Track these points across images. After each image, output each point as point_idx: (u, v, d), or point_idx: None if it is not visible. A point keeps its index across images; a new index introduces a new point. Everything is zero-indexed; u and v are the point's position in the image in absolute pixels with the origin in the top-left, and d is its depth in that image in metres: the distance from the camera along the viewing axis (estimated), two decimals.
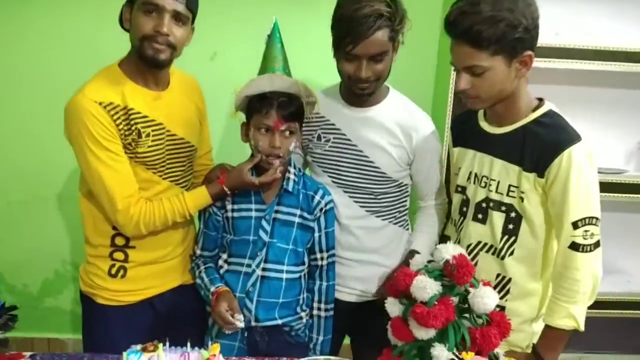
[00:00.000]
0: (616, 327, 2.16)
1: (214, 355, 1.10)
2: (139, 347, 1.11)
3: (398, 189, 1.51)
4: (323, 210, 1.43)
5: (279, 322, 1.40)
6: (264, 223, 1.38)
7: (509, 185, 1.28)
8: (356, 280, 1.51)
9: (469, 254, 1.31)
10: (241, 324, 1.30)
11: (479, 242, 1.34)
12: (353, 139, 1.46)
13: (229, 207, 1.41)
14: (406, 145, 1.45)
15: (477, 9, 1.14)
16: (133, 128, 1.28)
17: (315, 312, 1.47)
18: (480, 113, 1.37)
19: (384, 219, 1.51)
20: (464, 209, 1.39)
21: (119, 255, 1.38)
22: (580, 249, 1.20)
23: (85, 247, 1.43)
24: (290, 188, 1.40)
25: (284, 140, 1.34)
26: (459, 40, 1.19)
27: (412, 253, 1.45)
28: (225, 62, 2.04)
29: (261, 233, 1.38)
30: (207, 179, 1.45)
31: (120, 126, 1.27)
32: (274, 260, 1.39)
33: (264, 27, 1.37)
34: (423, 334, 1.07)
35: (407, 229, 1.58)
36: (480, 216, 1.34)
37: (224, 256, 1.43)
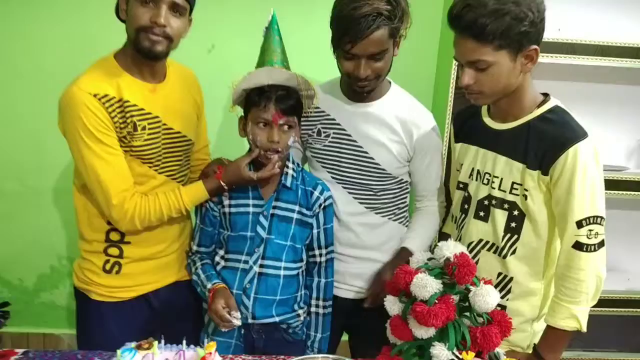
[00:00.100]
0: (616, 325, 2.16)
1: (210, 353, 1.08)
2: (133, 344, 1.09)
3: (398, 186, 1.49)
4: (322, 207, 1.42)
5: (277, 319, 1.38)
6: (261, 219, 1.37)
7: (513, 183, 1.26)
8: (355, 277, 1.50)
9: (470, 252, 1.30)
10: (238, 322, 1.29)
11: (481, 240, 1.33)
12: (353, 134, 1.44)
13: (226, 202, 1.39)
14: (406, 142, 1.43)
15: (482, 1, 1.12)
16: (128, 121, 1.26)
17: (313, 309, 1.46)
18: (484, 108, 1.35)
19: (383, 216, 1.50)
20: (466, 206, 1.37)
21: (113, 250, 1.36)
22: (584, 249, 1.18)
23: (80, 242, 1.41)
24: (288, 183, 1.39)
25: (282, 134, 1.32)
26: (462, 34, 1.17)
27: (403, 250, 1.44)
28: (224, 54, 2.02)
29: (259, 229, 1.37)
30: (204, 174, 1.43)
31: (116, 119, 1.25)
32: (271, 256, 1.38)
33: (263, 19, 1.35)
34: (423, 333, 1.06)
35: (407, 226, 1.56)
36: (482, 214, 1.32)
37: (221, 252, 1.42)
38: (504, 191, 1.27)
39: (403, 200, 1.54)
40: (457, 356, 1.04)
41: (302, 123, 1.42)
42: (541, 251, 1.28)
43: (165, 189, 1.36)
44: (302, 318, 1.44)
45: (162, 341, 1.10)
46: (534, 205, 1.24)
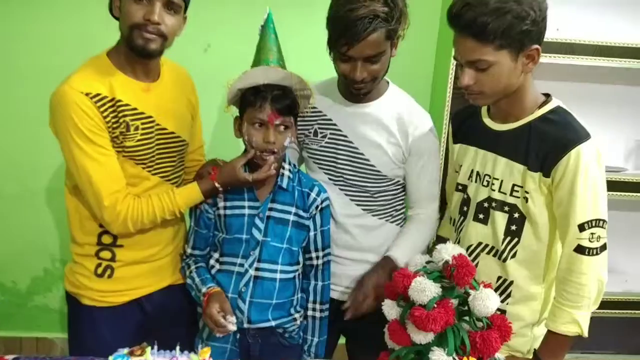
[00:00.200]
0: (614, 327, 2.15)
1: (204, 359, 1.06)
2: (125, 350, 1.08)
3: (395, 188, 1.47)
4: (319, 208, 1.40)
5: (273, 323, 1.36)
6: (257, 221, 1.35)
7: (513, 185, 1.24)
8: (352, 279, 1.48)
9: (469, 255, 1.27)
10: (233, 327, 1.27)
11: (480, 243, 1.31)
12: (349, 135, 1.42)
13: (221, 204, 1.37)
14: (402, 143, 1.41)
15: (482, 0, 1.10)
16: (121, 121, 1.24)
17: (310, 312, 1.44)
18: (483, 108, 1.33)
19: (380, 218, 1.48)
20: (465, 208, 1.35)
21: (105, 254, 1.34)
22: (587, 252, 1.17)
23: (71, 245, 1.39)
24: (284, 185, 1.37)
25: (278, 135, 1.30)
26: (462, 33, 1.15)
27: (385, 259, 1.41)
28: (220, 54, 2.00)
29: (254, 231, 1.35)
30: (198, 175, 1.41)
31: (108, 118, 1.23)
32: (267, 259, 1.36)
33: (260, 19, 1.33)
34: (421, 338, 1.05)
35: None
36: (481, 216, 1.30)
37: (216, 255, 1.40)
38: (504, 193, 1.25)
39: (400, 202, 1.52)
40: None
41: (299, 123, 1.40)
42: (542, 254, 1.27)
43: (159, 190, 1.33)
44: (298, 322, 1.42)
45: (155, 347, 1.08)
46: (534, 207, 1.22)
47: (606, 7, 1.98)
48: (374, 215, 1.47)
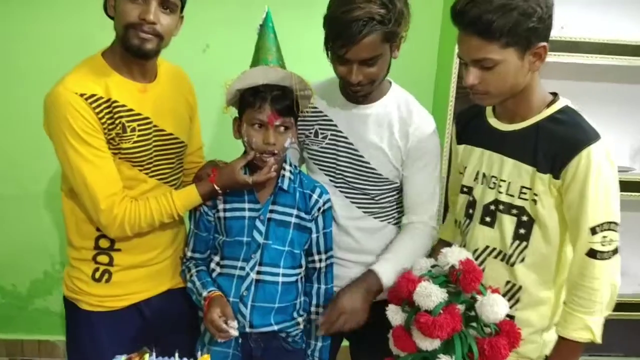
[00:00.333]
0: (623, 329, 2.12)
1: None
2: (123, 357, 1.07)
3: (396, 190, 1.44)
4: (321, 210, 1.37)
5: (275, 328, 1.34)
6: (258, 223, 1.33)
7: (521, 187, 1.20)
8: None
9: (476, 259, 1.24)
10: (235, 332, 1.25)
11: (487, 247, 1.27)
12: (350, 136, 1.39)
13: (221, 206, 1.35)
14: (401, 144, 1.37)
15: None
16: (117, 122, 1.22)
17: (313, 316, 1.41)
18: (489, 108, 1.30)
19: (382, 220, 1.45)
20: (470, 210, 1.32)
21: (103, 258, 1.32)
22: (599, 256, 1.13)
23: (68, 249, 1.37)
24: (285, 186, 1.34)
25: (278, 136, 1.28)
26: (467, 31, 1.12)
27: (369, 274, 1.33)
28: (219, 54, 1.99)
29: (255, 234, 1.32)
30: (197, 177, 1.39)
31: (103, 120, 1.21)
32: (269, 262, 1.33)
33: (259, 18, 1.30)
34: (427, 344, 1.03)
35: None
36: (488, 219, 1.27)
37: (216, 258, 1.38)
38: (512, 196, 1.22)
39: (402, 204, 1.48)
40: None
41: (300, 123, 1.38)
42: (551, 258, 1.23)
43: (157, 193, 1.31)
44: (301, 326, 1.39)
45: (154, 354, 1.06)
46: (544, 210, 1.19)
47: (610, 6, 1.95)
48: (375, 218, 1.44)
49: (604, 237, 1.13)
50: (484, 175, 1.28)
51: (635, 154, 2.12)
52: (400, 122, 1.37)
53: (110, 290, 1.33)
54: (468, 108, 1.39)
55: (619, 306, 1.96)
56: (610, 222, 1.14)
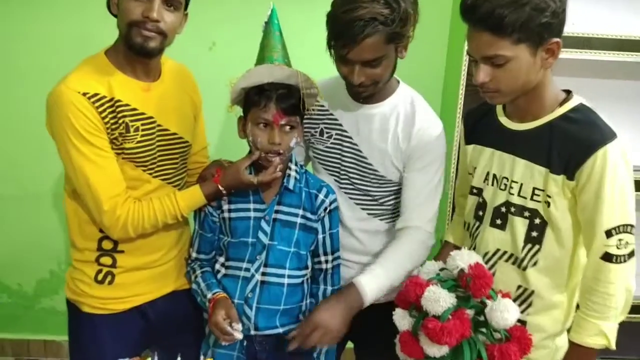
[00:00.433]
0: (636, 332, 2.07)
1: None
2: None
3: (400, 192, 1.40)
4: (327, 210, 1.35)
5: (280, 330, 1.33)
6: (263, 224, 1.31)
7: (534, 189, 1.17)
8: None
9: (486, 262, 1.21)
10: (240, 335, 1.23)
11: (498, 250, 1.24)
12: (354, 137, 1.37)
13: (226, 207, 1.33)
14: (404, 146, 1.34)
15: None
16: (120, 121, 1.21)
17: None
18: (499, 107, 1.27)
19: (387, 222, 1.42)
20: (480, 212, 1.28)
21: (106, 260, 1.30)
22: (614, 260, 1.10)
23: (71, 250, 1.35)
24: (291, 186, 1.32)
25: (284, 135, 1.26)
26: (477, 27, 1.08)
27: (350, 287, 1.26)
28: (225, 52, 1.97)
29: (260, 235, 1.31)
30: (201, 177, 1.38)
31: (106, 119, 1.19)
32: (274, 264, 1.32)
33: (265, 15, 1.28)
34: (435, 351, 1.00)
35: None
36: (498, 222, 1.23)
37: (221, 259, 1.36)
38: (524, 197, 1.19)
39: None
40: None
41: (306, 121, 1.35)
42: (565, 261, 1.20)
43: (160, 193, 1.30)
44: None
45: (156, 357, 1.04)
46: (557, 212, 1.15)
47: (618, 1, 1.89)
48: (380, 220, 1.42)
49: (620, 240, 1.09)
50: (494, 176, 1.25)
51: None
52: (405, 123, 1.34)
53: (113, 292, 1.32)
54: (477, 107, 1.36)
55: (634, 309, 1.92)
56: (626, 225, 1.10)
